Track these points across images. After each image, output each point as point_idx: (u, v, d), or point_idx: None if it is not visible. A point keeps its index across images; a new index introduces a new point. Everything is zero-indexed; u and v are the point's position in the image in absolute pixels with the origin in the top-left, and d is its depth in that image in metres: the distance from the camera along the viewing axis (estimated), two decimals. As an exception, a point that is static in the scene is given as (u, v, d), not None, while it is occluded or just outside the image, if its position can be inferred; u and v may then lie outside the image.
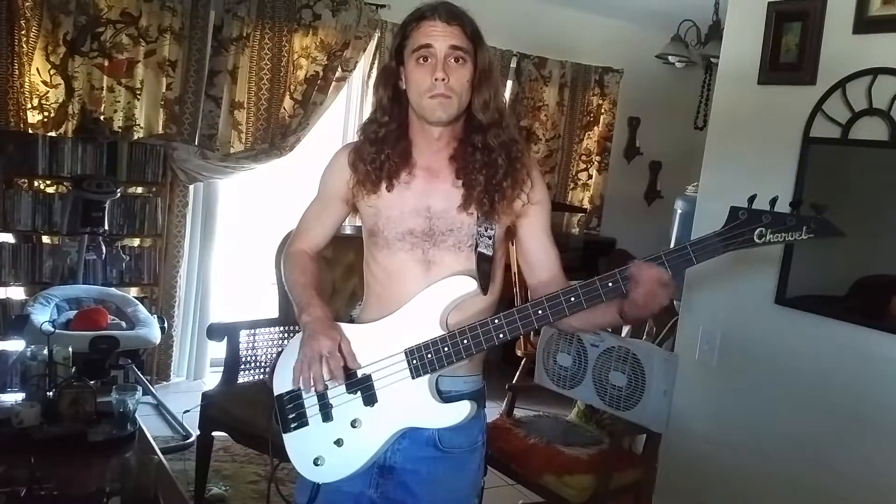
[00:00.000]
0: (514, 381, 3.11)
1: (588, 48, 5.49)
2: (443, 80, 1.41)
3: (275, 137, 4.52)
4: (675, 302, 2.87)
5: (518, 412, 3.02)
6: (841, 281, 2.28)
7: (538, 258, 1.56)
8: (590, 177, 5.74)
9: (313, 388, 1.47)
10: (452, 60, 1.42)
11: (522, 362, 4.22)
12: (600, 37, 5.52)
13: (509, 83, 5.21)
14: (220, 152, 4.41)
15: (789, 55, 2.35)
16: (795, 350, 2.31)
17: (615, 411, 2.55)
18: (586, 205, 5.72)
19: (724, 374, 2.53)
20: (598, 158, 5.73)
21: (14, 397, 3.35)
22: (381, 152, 1.49)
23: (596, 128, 5.70)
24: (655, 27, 5.37)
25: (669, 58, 4.95)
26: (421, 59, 1.42)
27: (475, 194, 1.46)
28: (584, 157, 5.71)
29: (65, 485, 1.86)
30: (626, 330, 2.82)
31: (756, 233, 1.30)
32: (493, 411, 2.85)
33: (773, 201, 1.31)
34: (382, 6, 4.63)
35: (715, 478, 2.54)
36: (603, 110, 5.68)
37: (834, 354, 2.22)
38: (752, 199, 1.32)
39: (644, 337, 2.80)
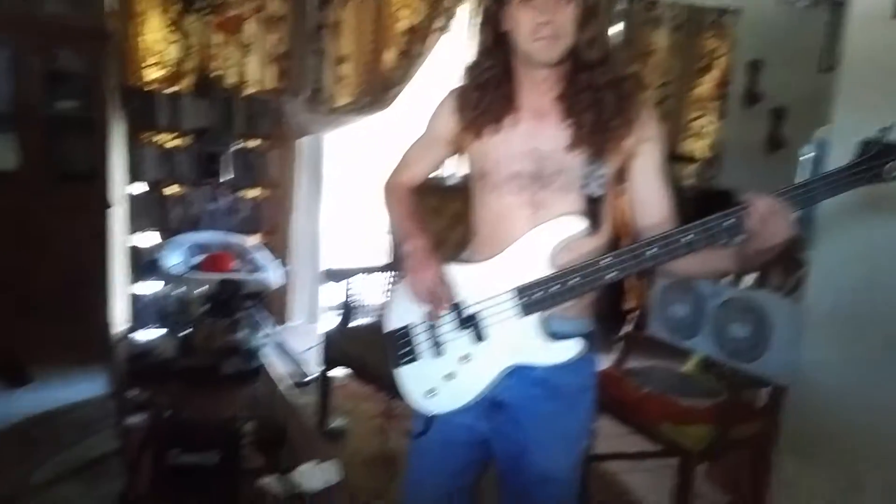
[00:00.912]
0: (626, 332, 3.06)
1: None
2: (548, 22, 1.38)
3: (377, 90, 4.58)
4: (804, 253, 2.75)
5: (631, 364, 2.98)
6: None
7: (648, 199, 1.52)
8: (706, 125, 5.51)
9: (423, 324, 1.52)
10: (562, 3, 1.38)
11: (633, 315, 4.18)
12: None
13: (620, 26, 5.04)
14: (327, 106, 4.51)
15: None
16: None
17: (738, 364, 2.47)
18: (702, 155, 5.51)
19: (857, 326, 2.41)
20: (714, 105, 5.49)
21: (152, 335, 3.62)
22: (485, 97, 1.48)
23: (713, 72, 5.45)
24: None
25: (792, -3, 4.67)
26: None
27: (583, 134, 1.43)
28: (697, 105, 5.48)
29: (202, 410, 1.99)
30: (748, 280, 2.72)
31: (887, 167, 1.22)
32: (605, 361, 2.84)
33: None
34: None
35: (843, 434, 2.44)
36: (719, 54, 5.41)
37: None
38: (884, 131, 1.22)
39: (768, 289, 2.69)
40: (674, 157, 5.30)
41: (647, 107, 1.51)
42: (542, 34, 1.39)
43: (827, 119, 2.73)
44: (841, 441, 2.46)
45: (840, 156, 2.40)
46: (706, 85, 5.47)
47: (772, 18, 5.23)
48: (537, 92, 1.48)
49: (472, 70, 1.51)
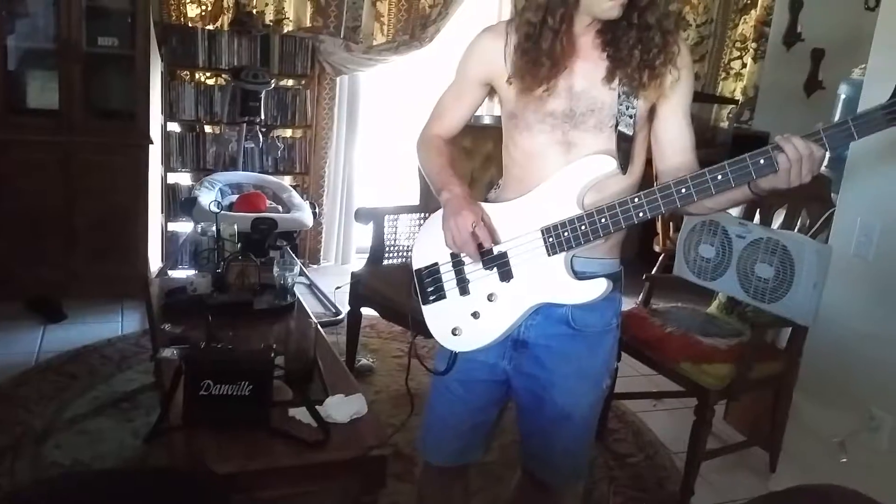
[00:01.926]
0: (652, 273, 3.09)
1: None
2: None
3: (415, 28, 4.55)
4: (832, 194, 2.72)
5: (654, 305, 3.01)
6: None
7: (674, 140, 1.51)
8: (744, 65, 5.38)
9: (450, 262, 1.54)
10: None
11: (661, 258, 4.18)
12: None
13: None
14: (364, 45, 4.49)
15: None
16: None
17: (760, 304, 2.49)
18: (738, 96, 5.39)
19: (881, 269, 2.40)
20: (753, 45, 5.34)
21: (187, 272, 3.72)
22: (544, 49, 1.42)
23: (753, 11, 5.29)
24: None
25: (842, -71, 4.47)
26: None
27: (628, 71, 1.42)
28: (738, 45, 5.34)
29: (234, 344, 2.06)
30: (776, 222, 2.72)
31: None
32: (629, 303, 2.87)
33: None
34: None
35: (862, 374, 2.46)
36: (762, -8, 5.25)
37: None
38: None
39: (796, 229, 2.68)
40: (712, 98, 5.21)
41: (685, 46, 1.49)
42: None
43: (863, 60, 2.67)
44: (858, 383, 2.47)
45: (873, 96, 2.38)
46: (746, 24, 5.32)
47: (819, -47, 5.04)
48: (585, 34, 1.46)
49: (529, 21, 1.44)
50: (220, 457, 1.61)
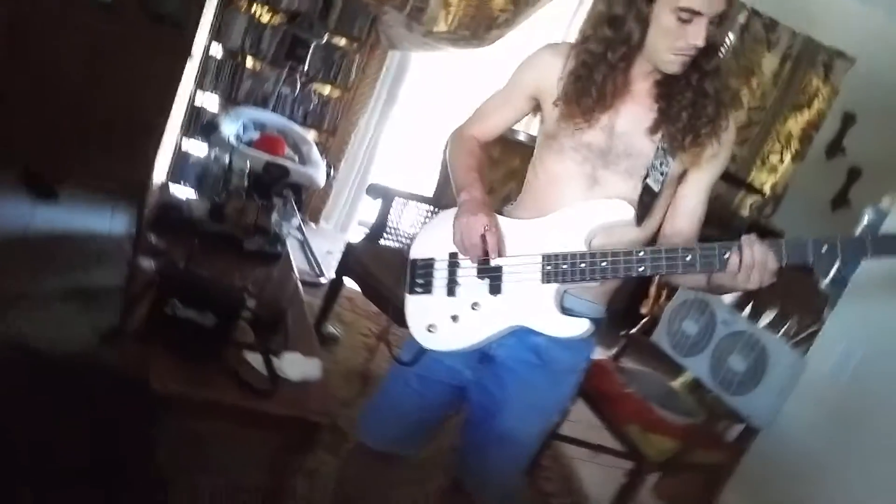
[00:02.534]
0: (631, 332, 3.10)
1: (826, 24, 5.03)
2: (694, 47, 1.35)
3: (479, 27, 4.54)
4: (825, 311, 2.73)
5: (623, 363, 3.02)
6: None
7: (688, 209, 1.52)
8: (781, 161, 5.38)
9: (447, 261, 1.54)
10: (710, 25, 1.35)
11: (645, 320, 4.19)
12: (844, 17, 5.03)
13: (730, 35, 4.91)
14: (425, 28, 4.49)
15: None
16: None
17: (723, 393, 2.50)
18: (767, 189, 5.41)
19: (850, 396, 2.42)
20: (796, 145, 5.35)
21: (187, 192, 3.71)
22: (600, 81, 1.43)
23: (806, 112, 5.30)
24: (908, 23, 4.86)
25: (914, 61, 4.48)
26: (684, 17, 1.33)
27: (671, 130, 1.42)
28: (782, 140, 5.35)
29: (215, 273, 2.06)
30: (764, 320, 2.73)
31: None
32: (600, 352, 2.88)
33: None
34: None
35: (799, 490, 2.47)
36: (820, 96, 5.25)
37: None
38: None
39: (780, 333, 2.70)
40: (741, 183, 5.22)
41: (733, 124, 1.50)
42: (683, 52, 1.37)
43: (896, 191, 2.69)
44: (791, 498, 2.49)
45: (893, 230, 2.40)
46: (796, 123, 5.33)
47: (883, 76, 5.04)
48: (642, 79, 1.46)
49: (589, 50, 1.45)
50: (165, 377, 1.62)
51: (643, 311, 4.31)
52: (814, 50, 5.12)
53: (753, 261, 1.29)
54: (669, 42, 1.37)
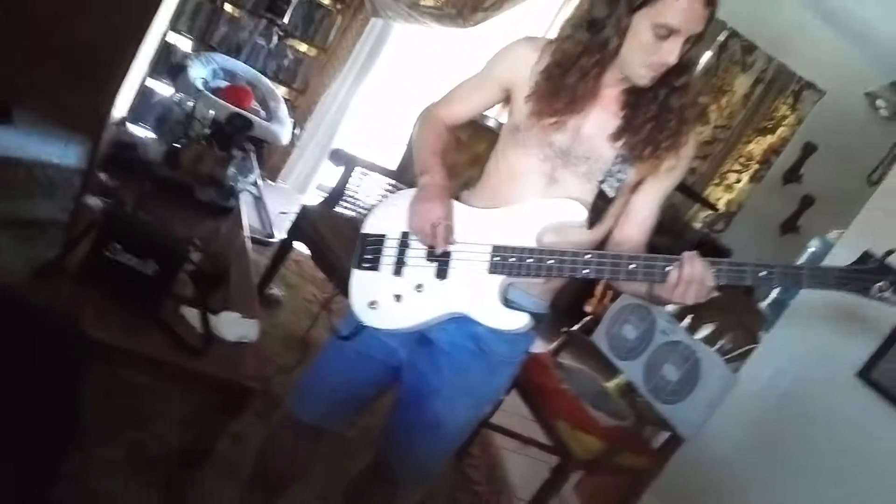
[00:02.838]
0: (572, 329, 3.14)
1: (802, 54, 5.14)
2: (666, 63, 1.37)
3: (465, 7, 4.50)
4: (761, 332, 2.80)
5: (561, 359, 3.06)
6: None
7: (640, 217, 1.54)
8: (738, 181, 5.49)
9: (397, 240, 1.54)
10: (686, 44, 1.37)
11: (587, 319, 4.25)
12: (820, 49, 5.14)
13: (707, 53, 4.96)
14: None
15: None
16: (857, 428, 2.25)
17: (653, 400, 2.55)
18: (721, 206, 5.51)
19: (776, 417, 2.49)
20: (756, 167, 5.46)
21: (145, 132, 3.61)
22: (572, 85, 1.43)
23: (769, 136, 5.41)
24: (878, 65, 4.97)
25: (878, 101, 4.60)
26: (661, 33, 1.35)
27: (632, 141, 1.44)
28: (742, 160, 5.45)
29: (160, 221, 2.01)
30: (702, 332, 2.79)
31: (877, 286, 1.26)
32: (540, 347, 2.91)
33: None
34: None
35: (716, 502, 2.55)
36: (786, 123, 5.36)
37: (892, 453, 2.14)
38: (888, 253, 1.27)
39: (715, 348, 2.76)
40: (697, 197, 5.30)
41: (694, 140, 1.51)
42: (654, 66, 1.38)
43: (844, 226, 2.75)
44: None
45: (839, 262, 2.46)
46: (758, 145, 5.44)
47: (848, 112, 5.17)
48: (612, 86, 1.47)
49: (565, 51, 1.45)
50: (97, 321, 1.57)
51: (587, 309, 4.36)
52: (786, 77, 5.21)
53: (692, 277, 1.33)
54: (644, 56, 1.38)
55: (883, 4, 4.21)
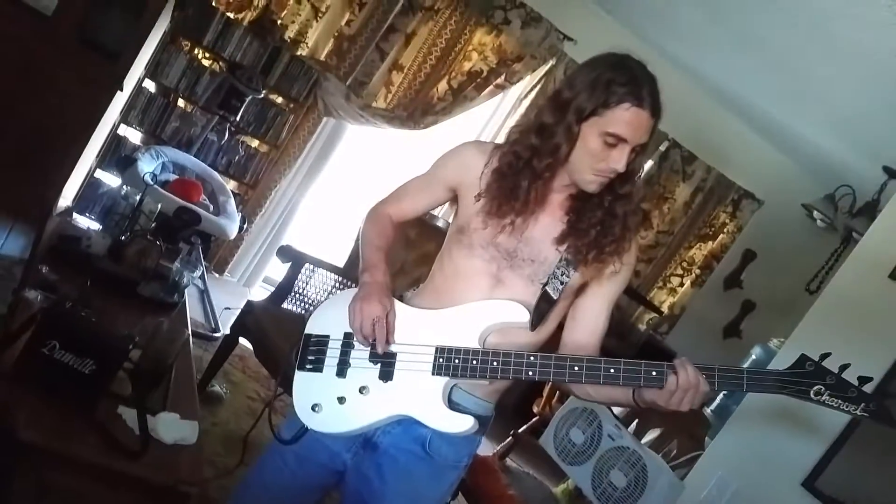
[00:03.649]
0: (519, 431, 3.10)
1: (740, 165, 5.41)
2: (614, 171, 1.42)
3: (416, 111, 4.65)
4: (707, 438, 2.82)
5: (509, 462, 3.01)
6: (872, 500, 2.18)
7: (589, 322, 1.56)
8: (681, 285, 5.64)
9: (341, 341, 1.53)
10: (632, 153, 1.42)
11: (535, 419, 4.21)
12: (759, 161, 5.42)
13: (649, 162, 5.17)
14: (363, 101, 4.55)
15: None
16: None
17: (601, 506, 2.52)
18: (665, 309, 5.62)
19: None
20: (697, 272, 5.63)
21: (89, 223, 3.56)
22: (518, 188, 1.46)
23: (710, 242, 5.60)
24: (814, 177, 5.25)
25: (815, 213, 4.82)
26: (609, 141, 1.40)
27: (577, 244, 1.47)
28: (684, 264, 5.62)
29: (102, 317, 1.95)
30: (648, 437, 2.79)
31: (815, 389, 1.29)
32: (486, 448, 2.86)
33: (844, 367, 1.29)
34: (570, 39, 4.69)
35: None
36: (726, 230, 5.57)
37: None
38: (824, 356, 1.30)
39: (661, 454, 2.75)
40: (642, 299, 5.40)
41: (637, 245, 1.55)
42: (602, 173, 1.43)
43: (784, 334, 2.82)
44: None
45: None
46: (700, 251, 5.61)
47: (786, 221, 5.40)
48: (559, 191, 1.51)
49: (517, 154, 1.48)
50: (30, 421, 1.50)
51: (535, 409, 4.32)
52: (726, 187, 5.45)
53: (689, 383, 1.33)
54: (592, 162, 1.42)
55: (817, 122, 4.47)
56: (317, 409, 1.52)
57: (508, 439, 3.04)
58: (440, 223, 3.94)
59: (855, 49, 3.25)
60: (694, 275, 5.62)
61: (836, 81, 3.74)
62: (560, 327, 1.59)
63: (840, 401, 1.28)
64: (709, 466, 2.59)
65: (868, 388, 1.29)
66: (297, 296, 3.32)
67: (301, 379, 1.56)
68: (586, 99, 1.40)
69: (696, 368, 1.34)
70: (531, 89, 4.86)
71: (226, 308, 3.86)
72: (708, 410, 3.43)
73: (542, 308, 1.48)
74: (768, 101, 4.63)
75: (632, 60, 1.43)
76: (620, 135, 1.39)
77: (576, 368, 1.40)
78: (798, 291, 5.05)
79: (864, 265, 2.49)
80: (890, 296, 2.35)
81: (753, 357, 3.88)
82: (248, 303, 3.09)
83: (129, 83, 3.90)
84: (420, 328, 1.50)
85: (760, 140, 5.32)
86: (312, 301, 3.38)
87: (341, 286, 3.41)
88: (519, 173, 1.47)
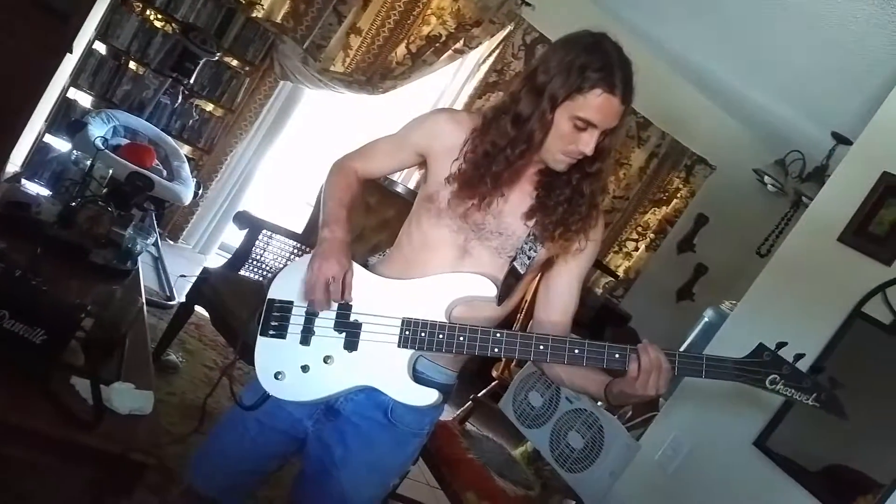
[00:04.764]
0: (479, 395, 3.13)
1: (694, 131, 5.48)
2: (582, 154, 1.43)
3: (374, 75, 4.59)
4: (661, 399, 2.87)
5: (469, 426, 3.04)
6: (819, 457, 2.26)
7: (560, 299, 1.58)
8: (636, 249, 5.72)
9: (305, 308, 1.51)
10: (602, 135, 1.43)
11: (493, 383, 4.26)
12: (711, 127, 5.50)
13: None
14: (321, 65, 4.47)
15: (879, 228, 2.33)
16: (751, 494, 2.31)
17: (559, 469, 2.56)
18: (620, 273, 5.71)
19: (674, 485, 2.53)
20: (651, 236, 5.72)
21: (39, 189, 3.46)
22: (490, 174, 1.46)
23: (664, 207, 5.69)
24: (765, 143, 5.35)
25: (766, 178, 4.91)
26: (579, 125, 1.41)
27: (544, 220, 1.48)
28: (639, 229, 5.70)
29: (53, 285, 1.90)
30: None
31: (770, 378, 1.33)
32: (446, 413, 2.89)
33: (798, 357, 1.33)
34: (528, 4, 4.66)
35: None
36: (679, 195, 5.66)
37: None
38: (780, 346, 1.34)
39: (616, 416, 2.81)
40: (598, 264, 5.47)
41: (602, 222, 1.57)
42: (571, 154, 1.44)
43: (736, 296, 2.89)
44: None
45: (729, 336, 2.58)
46: (654, 216, 5.69)
47: (738, 186, 5.51)
48: (529, 166, 1.51)
49: (494, 143, 1.47)
50: (-23, 394, 1.46)
51: (494, 373, 4.37)
52: (680, 152, 5.51)
53: (652, 365, 1.36)
54: (562, 145, 1.44)
55: (769, 89, 4.54)
56: (280, 376, 1.51)
57: (468, 404, 3.07)
58: (400, 188, 3.92)
59: (806, 16, 3.29)
60: (648, 239, 5.71)
61: (787, 48, 3.79)
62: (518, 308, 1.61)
63: (792, 390, 1.33)
64: (664, 428, 2.65)
65: (807, 360, 1.33)
66: (255, 262, 3.28)
67: (263, 345, 1.54)
68: (560, 85, 1.40)
69: (658, 349, 1.37)
70: (489, 54, 4.83)
71: (181, 276, 3.80)
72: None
73: (508, 282, 1.49)
74: (722, 67, 4.68)
75: (608, 43, 1.43)
76: (590, 120, 1.40)
77: (541, 347, 1.42)
78: (749, 255, 5.17)
79: (814, 229, 2.54)
80: (838, 258, 2.42)
81: (706, 319, 3.96)
82: (205, 269, 3.05)
83: (79, 45, 3.76)
84: (386, 298, 1.50)
85: (714, 106, 5.39)
86: (270, 268, 3.35)
87: (300, 252, 3.38)
88: (494, 160, 1.47)
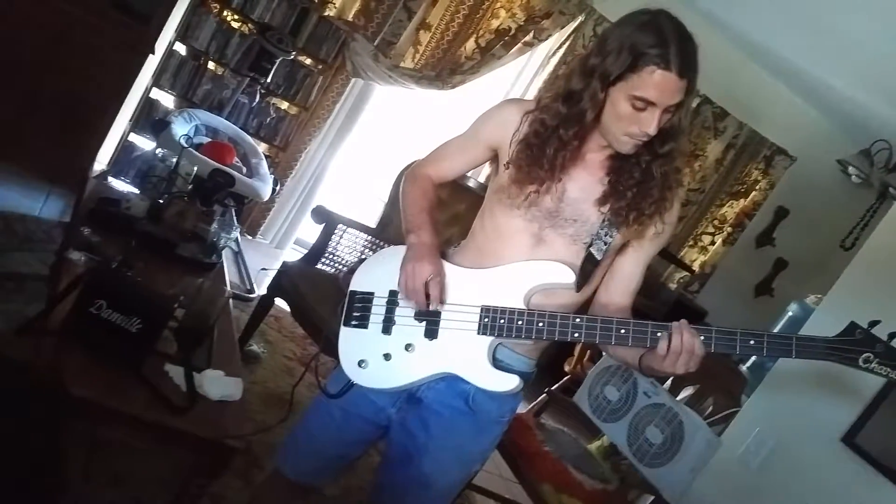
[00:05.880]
0: (552, 389, 3.12)
1: (773, 121, 5.30)
2: (647, 134, 1.39)
3: (444, 70, 4.60)
4: (743, 395, 2.81)
5: (543, 419, 3.03)
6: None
7: (624, 281, 1.56)
8: (713, 243, 5.58)
9: (386, 299, 1.54)
10: (665, 114, 1.39)
11: (566, 378, 4.23)
12: (791, 117, 5.31)
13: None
14: (391, 61, 4.51)
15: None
16: (843, 494, 2.23)
17: (637, 463, 2.53)
18: (696, 268, 5.58)
19: (758, 481, 2.47)
20: (729, 230, 5.56)
21: (127, 187, 3.60)
22: (544, 156, 1.45)
23: (742, 200, 5.52)
24: (849, 133, 5.14)
25: (850, 168, 4.73)
26: (638, 105, 1.37)
27: (617, 206, 1.46)
28: (716, 223, 5.55)
29: (144, 277, 1.99)
30: (683, 394, 2.79)
31: (863, 357, 1.28)
32: (521, 408, 2.88)
33: (893, 336, 1.27)
34: (600, -5, 4.60)
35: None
36: (758, 188, 5.48)
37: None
38: (873, 324, 1.29)
39: (698, 411, 2.75)
40: (672, 258, 5.37)
41: (678, 204, 1.53)
42: (634, 136, 1.40)
43: (819, 291, 2.79)
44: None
45: (817, 329, 2.49)
46: (731, 209, 5.54)
47: (820, 177, 5.31)
48: (597, 150, 1.49)
49: (544, 122, 1.47)
50: (80, 379, 1.54)
51: (566, 368, 4.34)
52: (758, 143, 5.35)
53: (681, 347, 1.34)
54: (623, 126, 1.40)
55: (850, 74, 4.37)
56: (363, 364, 1.54)
57: (542, 397, 3.06)
58: (472, 183, 3.93)
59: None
60: (725, 233, 5.55)
61: (868, 34, 3.64)
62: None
63: (888, 368, 1.28)
64: (746, 423, 2.58)
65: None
66: (330, 256, 3.35)
67: (347, 335, 1.58)
68: (612, 63, 1.37)
69: (694, 333, 1.35)
70: (559, 46, 4.78)
71: (262, 269, 3.90)
72: (744, 368, 3.42)
73: (587, 269, 1.48)
74: (800, 55, 4.53)
75: (663, 18, 1.38)
76: (648, 98, 1.36)
77: (623, 331, 1.40)
78: (831, 248, 4.98)
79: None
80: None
81: (790, 313, 3.86)
82: (284, 263, 3.13)
83: (161, 46, 3.90)
84: (464, 287, 1.50)
85: (793, 95, 5.20)
86: (344, 261, 3.40)
87: (372, 246, 3.43)
88: (547, 141, 1.46)
